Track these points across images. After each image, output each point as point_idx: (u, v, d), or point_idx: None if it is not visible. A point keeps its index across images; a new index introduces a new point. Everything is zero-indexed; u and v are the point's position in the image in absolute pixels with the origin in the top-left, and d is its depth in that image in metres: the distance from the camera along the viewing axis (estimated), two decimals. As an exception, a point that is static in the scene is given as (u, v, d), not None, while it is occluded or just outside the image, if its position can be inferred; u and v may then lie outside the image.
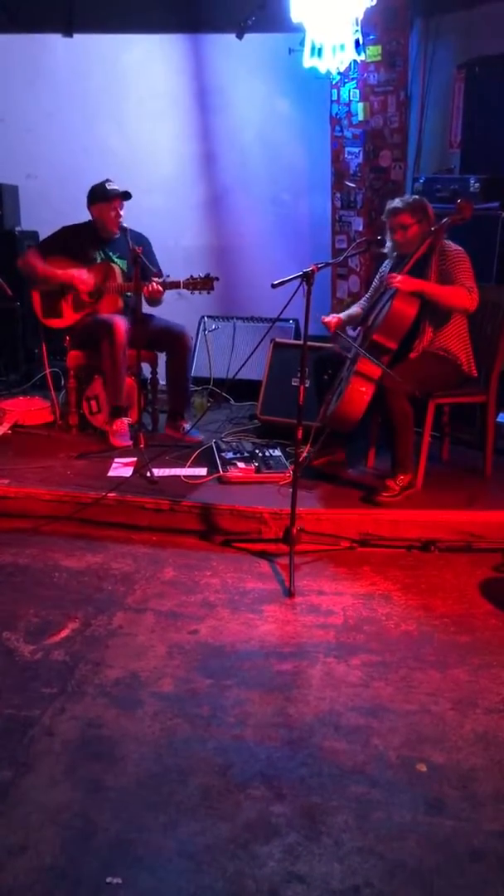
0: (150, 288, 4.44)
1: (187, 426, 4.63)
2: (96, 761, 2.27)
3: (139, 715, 2.47)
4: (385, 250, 4.10)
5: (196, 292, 4.48)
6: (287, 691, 2.61)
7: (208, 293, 4.51)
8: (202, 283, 4.44)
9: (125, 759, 2.28)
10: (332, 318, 4.14)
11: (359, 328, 4.10)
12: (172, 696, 2.57)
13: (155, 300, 4.54)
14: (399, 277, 3.76)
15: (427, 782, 2.21)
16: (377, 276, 4.20)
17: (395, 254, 4.02)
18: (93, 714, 2.47)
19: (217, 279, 4.46)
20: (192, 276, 4.45)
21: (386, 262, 4.13)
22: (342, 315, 4.22)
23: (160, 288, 4.47)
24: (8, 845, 1.97)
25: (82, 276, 4.65)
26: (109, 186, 4.58)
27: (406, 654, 2.83)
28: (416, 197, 4.01)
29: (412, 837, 2.01)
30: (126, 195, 4.58)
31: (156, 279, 4.50)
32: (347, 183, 5.40)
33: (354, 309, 4.27)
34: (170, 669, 2.71)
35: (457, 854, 1.97)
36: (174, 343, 4.67)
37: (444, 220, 3.80)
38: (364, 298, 4.30)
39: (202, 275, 4.44)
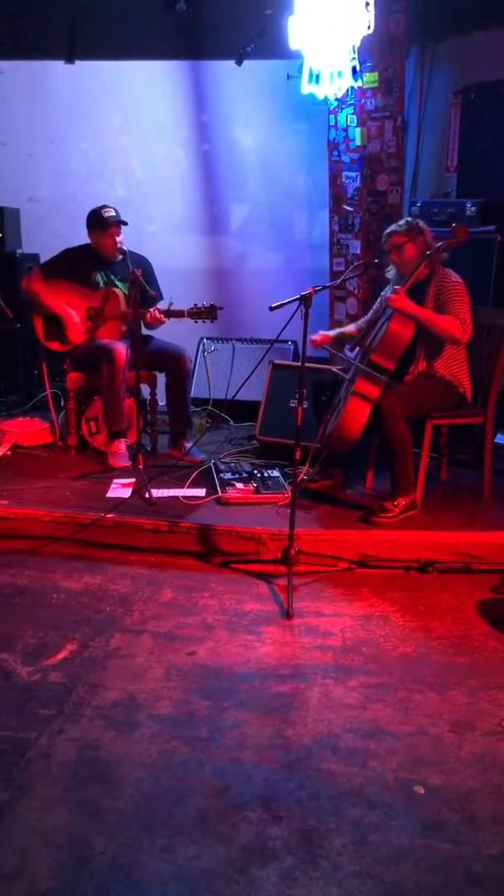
0: (153, 316, 4.47)
1: (189, 445, 4.64)
2: (93, 784, 2.26)
3: (137, 737, 2.47)
4: (388, 275, 4.15)
5: (200, 321, 4.51)
6: (285, 713, 2.61)
7: (211, 322, 4.53)
8: (206, 313, 4.44)
9: (122, 781, 2.27)
10: (317, 336, 4.18)
11: (357, 348, 4.13)
12: (170, 718, 2.57)
13: (155, 326, 4.59)
14: (397, 295, 3.78)
15: (425, 805, 2.20)
16: (378, 300, 4.24)
17: (395, 278, 4.07)
18: (90, 736, 2.46)
19: (221, 308, 4.46)
20: (195, 305, 4.45)
21: (388, 286, 4.18)
22: (334, 332, 4.24)
23: (162, 318, 4.50)
24: (3, 869, 1.96)
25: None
26: (106, 214, 4.58)
27: (404, 676, 2.83)
28: (409, 219, 4.07)
29: (410, 860, 2.00)
30: (121, 222, 4.59)
31: (159, 307, 4.51)
32: (345, 206, 5.46)
33: (349, 327, 4.31)
34: (167, 691, 2.71)
35: (455, 877, 1.96)
36: (173, 365, 4.69)
37: (440, 244, 3.85)
38: (362, 319, 4.33)
39: (206, 304, 4.45)
